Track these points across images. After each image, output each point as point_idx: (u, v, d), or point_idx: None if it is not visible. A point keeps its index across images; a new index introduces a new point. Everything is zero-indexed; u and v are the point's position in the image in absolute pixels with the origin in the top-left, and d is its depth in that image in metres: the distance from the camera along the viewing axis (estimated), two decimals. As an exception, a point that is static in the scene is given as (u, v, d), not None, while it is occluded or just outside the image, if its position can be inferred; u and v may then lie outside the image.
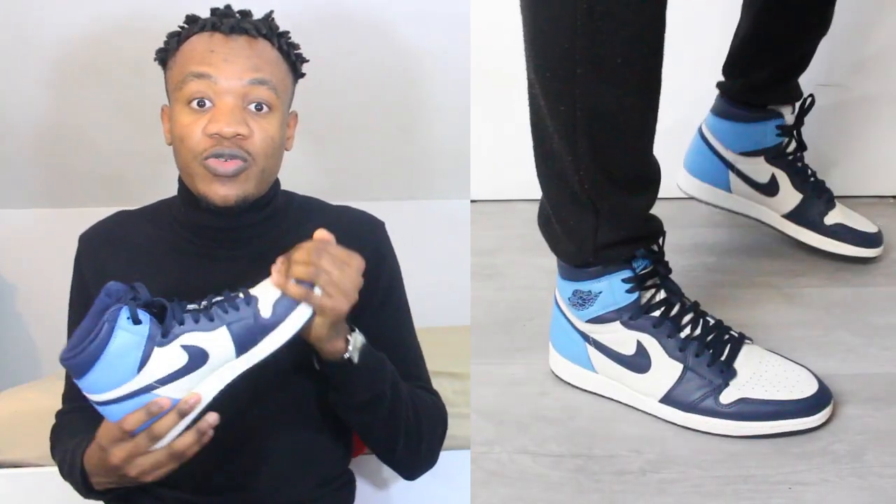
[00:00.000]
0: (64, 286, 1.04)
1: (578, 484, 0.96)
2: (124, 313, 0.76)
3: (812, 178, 1.37)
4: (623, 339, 1.05)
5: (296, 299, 0.81)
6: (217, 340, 0.79)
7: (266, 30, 0.94)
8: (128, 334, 0.76)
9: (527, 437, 1.03)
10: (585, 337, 1.08)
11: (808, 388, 1.01)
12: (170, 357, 0.78)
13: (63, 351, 0.78)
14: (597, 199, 0.98)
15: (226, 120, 0.89)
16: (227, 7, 0.96)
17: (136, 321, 0.77)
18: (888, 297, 1.31)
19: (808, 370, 1.04)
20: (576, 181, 0.97)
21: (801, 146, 1.36)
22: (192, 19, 0.95)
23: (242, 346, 0.80)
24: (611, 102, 0.92)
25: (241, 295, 0.82)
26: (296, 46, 0.99)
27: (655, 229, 1.05)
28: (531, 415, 1.07)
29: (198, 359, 0.79)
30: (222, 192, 0.91)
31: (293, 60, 0.98)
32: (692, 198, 1.43)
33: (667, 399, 1.03)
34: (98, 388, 0.78)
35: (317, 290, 0.81)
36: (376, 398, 0.91)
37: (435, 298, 1.44)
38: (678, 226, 1.40)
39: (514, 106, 1.36)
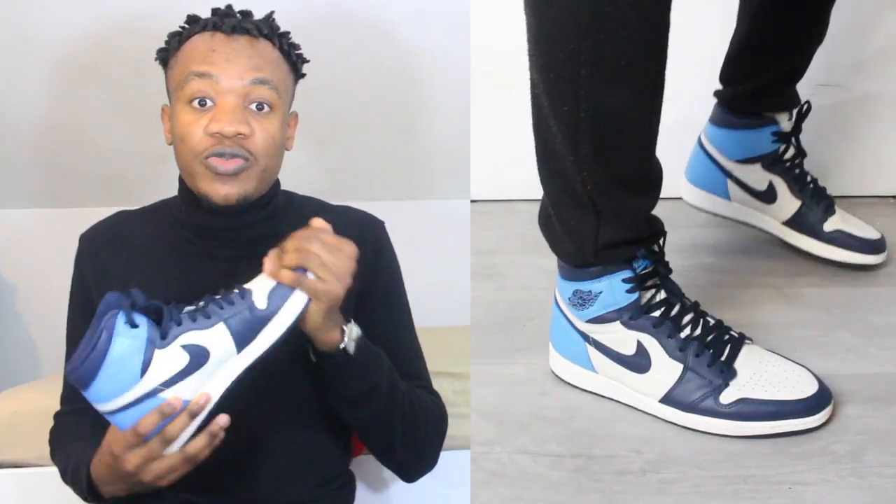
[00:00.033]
0: (64, 286, 1.04)
1: (578, 484, 0.96)
2: (121, 318, 0.77)
3: (811, 185, 1.36)
4: (623, 339, 1.05)
5: (290, 286, 0.82)
6: (216, 337, 0.80)
7: (267, 30, 0.95)
8: (127, 339, 0.76)
9: (527, 437, 1.03)
10: (585, 337, 1.08)
11: (808, 388, 1.01)
12: (171, 358, 0.78)
13: (67, 366, 0.78)
14: (598, 200, 0.98)
15: (227, 119, 0.90)
16: (229, 7, 0.96)
17: (133, 325, 0.77)
18: (888, 297, 1.31)
19: (808, 370, 1.04)
20: (578, 181, 0.97)
21: (801, 153, 1.35)
22: (193, 19, 0.95)
23: (242, 341, 0.80)
24: (615, 103, 0.92)
25: (236, 290, 0.82)
26: (297, 47, 0.99)
27: (657, 230, 1.05)
28: (531, 415, 1.07)
29: (199, 357, 0.79)
30: (223, 191, 0.91)
31: (294, 61, 0.98)
32: (694, 207, 1.43)
33: (667, 399, 1.03)
34: (105, 396, 0.78)
35: (310, 276, 0.82)
36: (372, 391, 0.91)
37: (435, 298, 1.44)
38: (678, 226, 1.39)
39: (514, 106, 1.36)
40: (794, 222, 1.36)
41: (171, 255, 0.99)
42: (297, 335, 0.85)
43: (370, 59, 1.65)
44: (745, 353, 1.04)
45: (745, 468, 0.97)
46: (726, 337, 1.04)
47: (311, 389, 0.95)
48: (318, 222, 0.86)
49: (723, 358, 1.02)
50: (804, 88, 1.35)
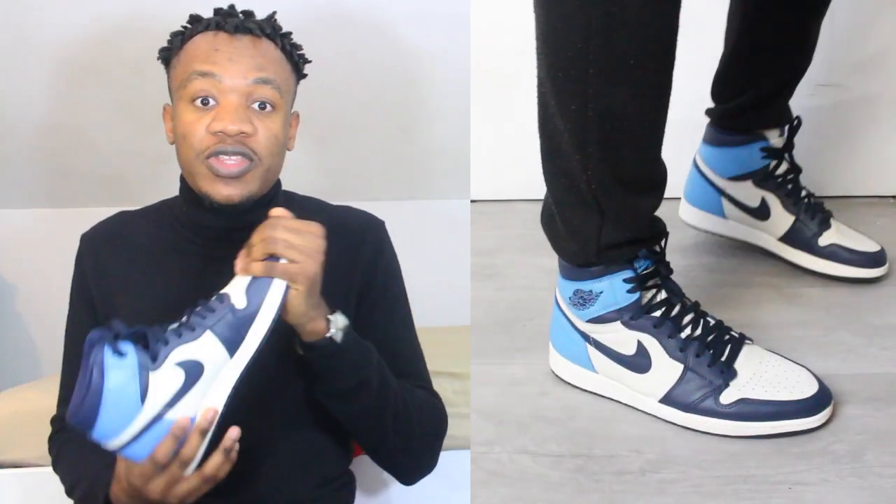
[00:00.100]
0: (64, 286, 1.04)
1: (578, 484, 0.96)
2: (108, 351, 0.75)
3: (805, 200, 1.35)
4: (623, 339, 1.05)
5: (263, 276, 0.82)
6: (206, 347, 0.79)
7: (270, 30, 0.95)
8: (119, 370, 0.75)
9: (527, 437, 1.03)
10: (586, 337, 1.08)
11: (808, 388, 1.01)
12: (167, 379, 0.77)
13: (67, 414, 0.77)
14: (603, 199, 0.98)
15: (230, 118, 0.90)
16: (231, 7, 0.96)
17: (121, 354, 0.76)
18: (888, 297, 1.31)
19: (808, 370, 1.04)
20: (583, 180, 0.97)
21: (794, 168, 1.35)
22: (195, 19, 0.95)
23: (232, 345, 0.80)
24: (623, 103, 0.92)
25: (214, 297, 0.82)
26: (299, 47, 0.99)
27: (659, 230, 1.05)
28: (531, 415, 1.07)
29: (194, 371, 0.78)
30: (226, 192, 0.91)
31: (296, 61, 0.98)
32: (692, 227, 1.43)
33: (667, 399, 1.03)
34: (112, 432, 0.76)
35: (282, 261, 0.82)
36: (361, 384, 0.91)
37: (435, 298, 1.44)
38: (679, 226, 1.40)
39: (514, 106, 1.37)
40: (789, 238, 1.36)
41: (171, 255, 0.99)
42: (287, 332, 0.85)
43: (370, 59, 1.65)
44: (746, 353, 1.04)
45: (745, 468, 0.97)
46: (727, 337, 1.04)
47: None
48: (277, 211, 0.86)
49: (723, 358, 1.02)
50: (804, 88, 1.35)
